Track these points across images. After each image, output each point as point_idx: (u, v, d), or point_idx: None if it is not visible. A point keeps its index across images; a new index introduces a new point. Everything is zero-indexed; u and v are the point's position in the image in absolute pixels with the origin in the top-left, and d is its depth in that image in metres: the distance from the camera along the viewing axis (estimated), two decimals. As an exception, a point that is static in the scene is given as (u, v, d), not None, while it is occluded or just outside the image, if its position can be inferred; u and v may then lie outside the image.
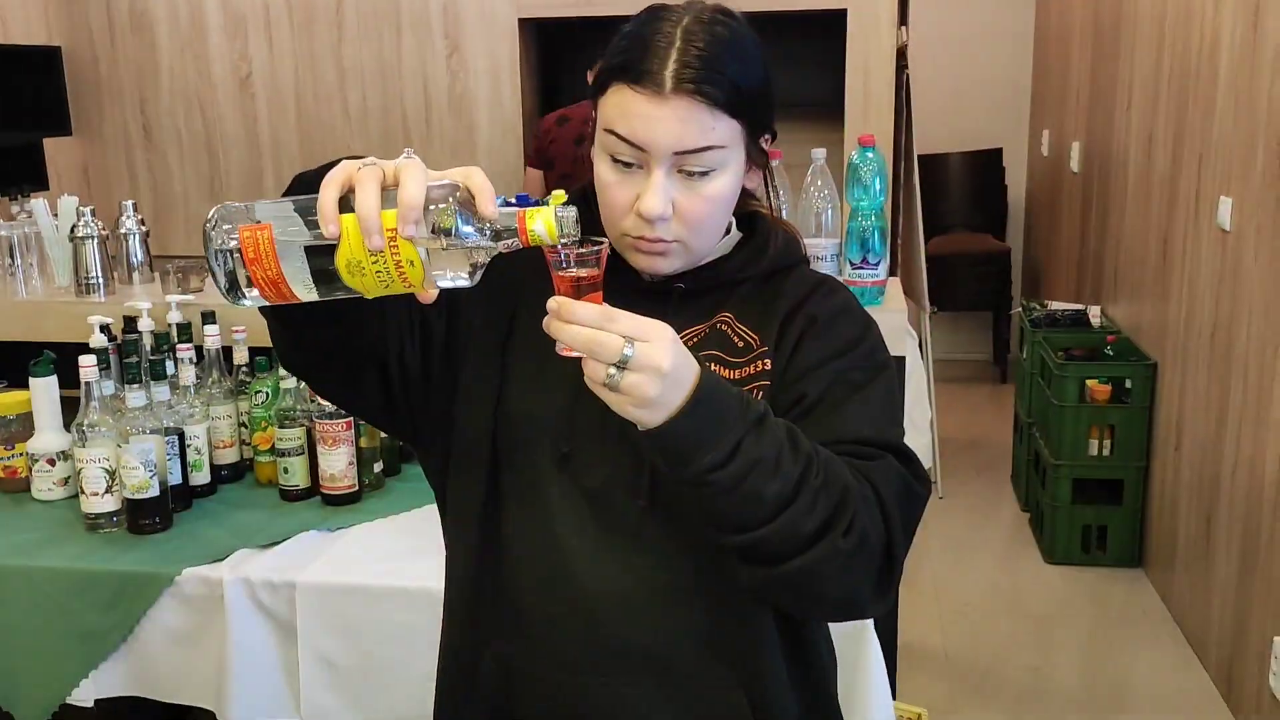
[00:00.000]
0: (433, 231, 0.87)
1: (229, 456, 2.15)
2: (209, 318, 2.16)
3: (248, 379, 2.17)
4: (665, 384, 0.87)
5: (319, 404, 2.02)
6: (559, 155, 3.70)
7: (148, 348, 2.13)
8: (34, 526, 1.97)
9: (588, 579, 1.06)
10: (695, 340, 1.09)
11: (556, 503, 1.07)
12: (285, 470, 2.05)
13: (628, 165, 1.04)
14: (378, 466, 2.12)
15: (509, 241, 0.89)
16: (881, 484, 0.97)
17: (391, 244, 0.86)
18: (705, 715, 1.08)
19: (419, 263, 0.87)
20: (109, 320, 2.16)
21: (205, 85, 4.18)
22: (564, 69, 4.30)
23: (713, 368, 1.05)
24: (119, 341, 2.17)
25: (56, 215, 2.48)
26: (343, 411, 2.00)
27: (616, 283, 1.00)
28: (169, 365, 2.03)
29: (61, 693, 1.80)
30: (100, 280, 2.41)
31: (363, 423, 2.05)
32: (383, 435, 2.14)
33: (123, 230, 2.49)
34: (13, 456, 2.11)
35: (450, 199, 0.87)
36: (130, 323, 2.24)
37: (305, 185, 0.95)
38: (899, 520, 0.97)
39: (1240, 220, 2.83)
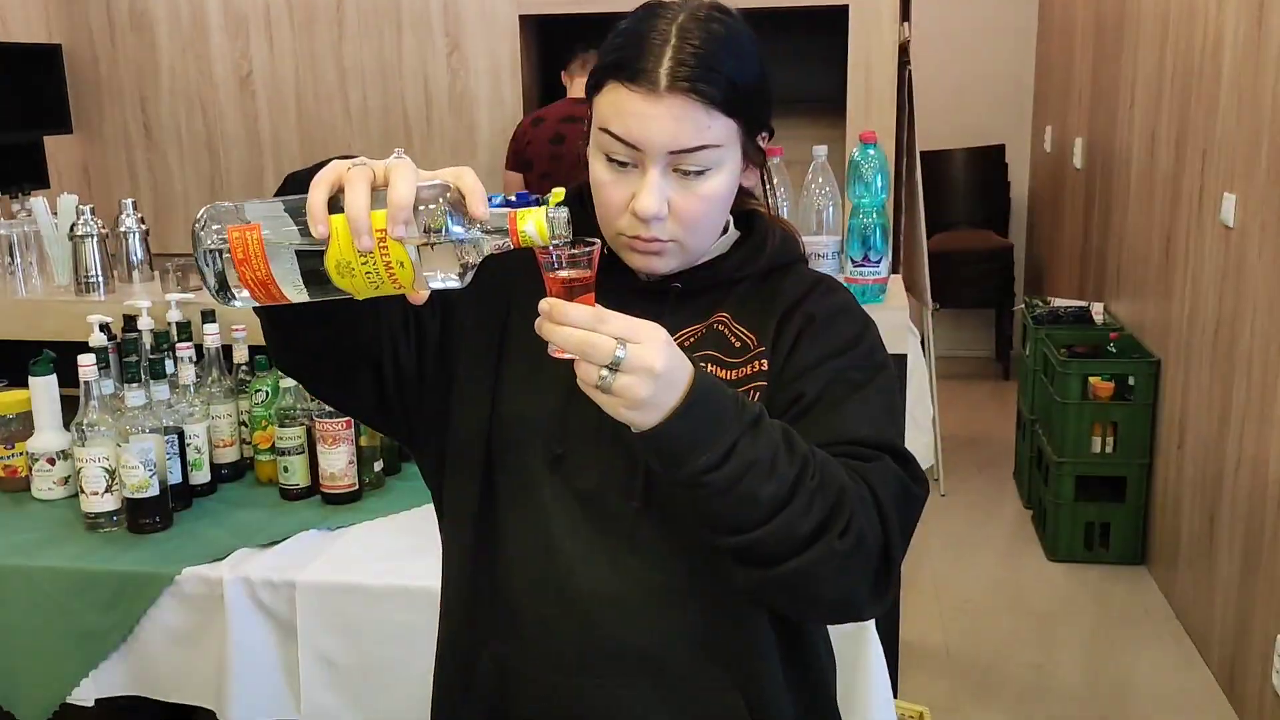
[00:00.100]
0: (423, 232, 0.86)
1: (229, 455, 2.14)
2: (209, 316, 2.16)
3: (248, 378, 2.17)
4: (658, 385, 0.86)
5: (319, 403, 2.01)
6: (536, 156, 3.70)
7: (147, 346, 2.13)
8: (34, 526, 1.97)
9: (582, 580, 1.06)
10: (692, 340, 1.09)
11: (550, 504, 1.07)
12: (285, 469, 2.05)
13: (623, 164, 1.03)
14: (378, 465, 2.12)
15: (500, 242, 0.88)
16: (879, 485, 0.96)
17: (381, 245, 0.85)
18: (701, 717, 1.07)
19: (409, 263, 0.86)
20: (109, 319, 2.16)
21: (206, 84, 4.18)
22: (565, 67, 4.30)
23: (709, 368, 1.05)
24: (118, 340, 2.16)
25: (56, 214, 2.48)
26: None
27: (612, 282, 0.99)
28: (169, 364, 2.03)
29: (62, 692, 1.80)
30: (100, 279, 2.41)
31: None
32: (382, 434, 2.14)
33: (122, 229, 2.49)
34: (12, 456, 2.11)
35: (441, 199, 0.87)
36: (130, 321, 2.23)
37: (297, 184, 0.95)
38: (896, 522, 0.96)
39: (1244, 217, 2.82)
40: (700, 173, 1.02)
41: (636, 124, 1.00)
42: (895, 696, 1.75)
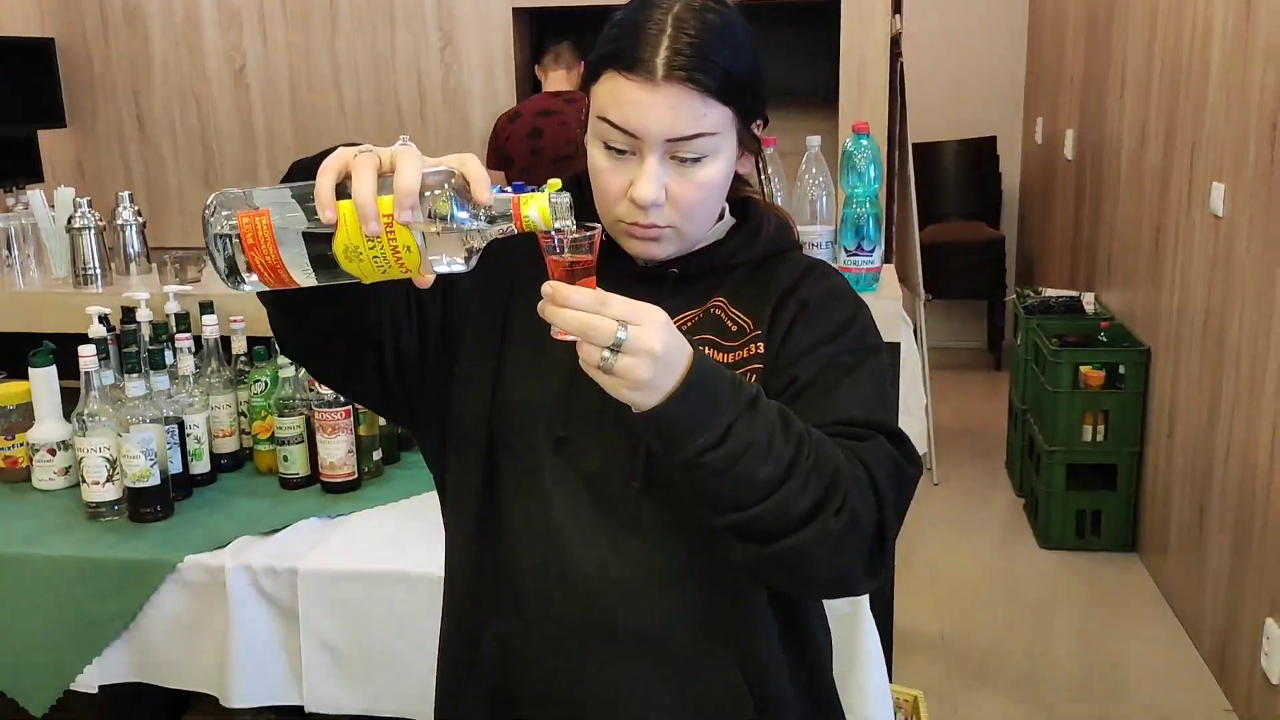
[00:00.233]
0: (428, 217, 0.88)
1: (228, 445, 2.16)
2: (207, 308, 2.17)
3: (246, 368, 2.18)
4: (658, 367, 0.88)
5: (318, 393, 2.03)
6: (515, 151, 3.72)
7: (146, 338, 2.14)
8: (35, 516, 1.98)
9: (583, 561, 1.07)
10: (689, 324, 1.10)
11: (552, 486, 1.08)
12: (285, 458, 2.06)
13: (621, 152, 1.04)
14: (377, 454, 2.13)
15: (504, 227, 0.90)
16: (873, 464, 0.98)
17: (388, 230, 0.87)
18: (702, 696, 1.09)
19: (415, 248, 0.88)
20: (107, 311, 2.17)
21: (199, 78, 4.19)
22: (539, 61, 4.32)
23: (706, 352, 1.06)
24: (117, 332, 2.18)
25: (53, 207, 2.48)
26: (342, 400, 2.01)
27: (611, 268, 1.01)
28: (168, 355, 2.04)
29: (65, 680, 1.82)
30: (98, 271, 2.42)
31: (362, 411, 2.07)
32: (382, 424, 2.16)
33: (120, 221, 2.50)
34: (13, 447, 2.12)
35: (445, 185, 0.88)
36: (128, 313, 2.24)
37: (303, 172, 0.96)
38: (890, 500, 0.98)
39: (1233, 207, 2.85)
40: (697, 160, 1.04)
41: (634, 112, 1.01)
42: (890, 681, 1.77)
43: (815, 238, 2.20)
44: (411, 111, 4.12)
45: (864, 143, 2.22)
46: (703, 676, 1.09)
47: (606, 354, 0.88)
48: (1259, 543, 2.66)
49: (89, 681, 1.83)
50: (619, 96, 1.02)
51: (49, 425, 2.07)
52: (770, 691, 1.10)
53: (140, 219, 2.54)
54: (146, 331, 2.16)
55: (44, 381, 2.06)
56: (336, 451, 2.03)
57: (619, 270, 1.07)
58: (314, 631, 1.78)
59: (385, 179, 0.88)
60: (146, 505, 1.93)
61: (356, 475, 2.06)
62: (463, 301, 1.12)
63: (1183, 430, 3.23)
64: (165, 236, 4.05)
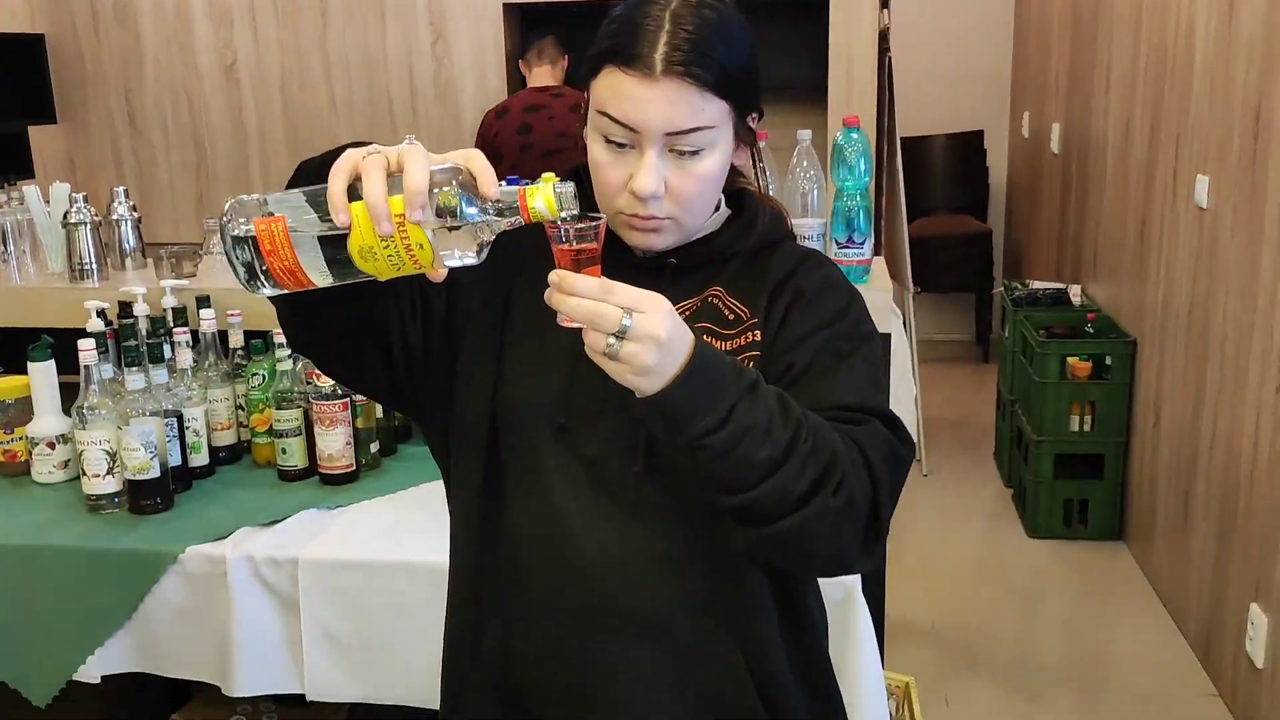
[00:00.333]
0: (438, 214, 0.90)
1: (226, 438, 2.18)
2: (204, 302, 2.19)
3: (243, 362, 2.20)
4: (662, 352, 0.91)
5: (316, 385, 2.05)
6: (505, 147, 3.74)
7: (143, 332, 2.16)
8: (36, 508, 2.00)
9: (584, 546, 1.10)
10: (688, 313, 1.13)
11: (554, 474, 1.11)
12: (283, 451, 2.08)
13: (620, 146, 1.07)
14: (374, 447, 2.16)
15: (512, 219, 0.92)
16: (869, 447, 1.01)
17: (401, 229, 0.89)
18: (704, 679, 1.12)
19: (428, 245, 0.91)
20: (106, 305, 2.18)
21: (190, 74, 4.19)
22: (522, 56, 4.33)
23: (706, 339, 1.09)
24: (114, 326, 2.19)
25: (48, 202, 2.50)
26: (340, 393, 2.03)
27: (611, 259, 1.03)
28: (166, 349, 2.06)
29: (68, 670, 1.83)
30: (94, 266, 2.43)
31: (359, 404, 2.09)
32: (379, 416, 2.18)
33: (115, 216, 2.51)
34: (12, 441, 2.14)
35: (453, 182, 0.91)
36: (125, 308, 2.26)
37: (309, 173, 0.98)
38: (885, 482, 1.01)
39: (1217, 199, 2.89)
40: (695, 153, 1.07)
41: (634, 107, 1.04)
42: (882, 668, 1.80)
43: (807, 230, 2.22)
44: (403, 107, 4.13)
45: (854, 136, 2.25)
46: (704, 660, 1.11)
47: (612, 340, 0.90)
48: (1243, 530, 2.70)
49: (91, 672, 1.84)
50: (619, 91, 1.04)
51: (48, 419, 2.09)
52: (769, 672, 1.13)
53: (135, 214, 2.55)
54: (144, 326, 2.18)
55: (43, 375, 2.07)
56: (335, 444, 2.05)
57: (618, 261, 1.10)
58: (315, 621, 1.80)
59: (394, 178, 0.90)
60: (147, 497, 1.95)
61: (354, 467, 2.08)
62: (465, 298, 1.15)
63: (1168, 420, 3.27)
64: (157, 232, 4.06)
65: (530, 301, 1.12)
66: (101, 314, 2.16)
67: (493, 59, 4.05)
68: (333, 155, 0.98)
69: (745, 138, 1.13)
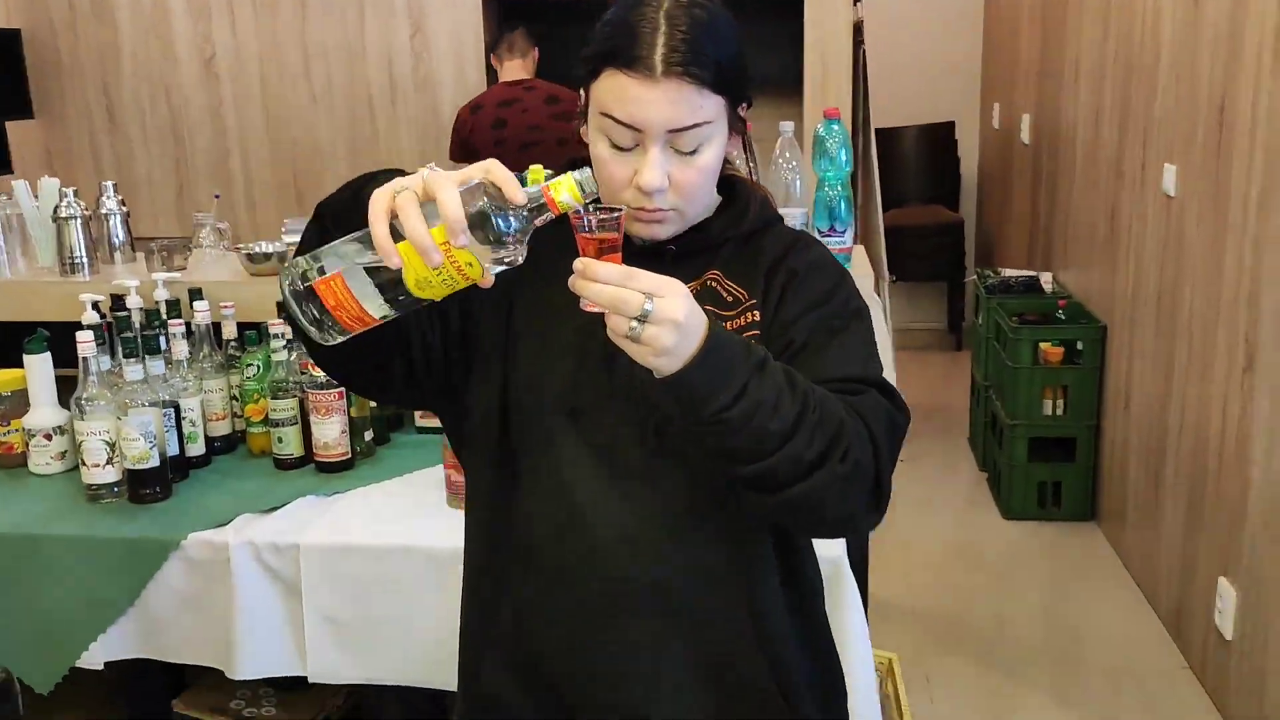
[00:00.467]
0: (477, 229, 0.95)
1: (222, 429, 2.20)
2: (196, 294, 2.22)
3: (237, 353, 2.23)
4: (680, 335, 0.96)
5: (311, 375, 2.08)
6: (480, 143, 3.78)
7: (137, 324, 2.18)
8: (34, 499, 2.02)
9: (595, 525, 1.15)
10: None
11: (565, 458, 1.16)
12: (279, 440, 2.11)
13: (624, 144, 1.12)
14: (368, 435, 2.19)
15: (543, 216, 0.98)
16: (869, 416, 1.08)
17: (448, 254, 0.95)
18: (712, 647, 1.17)
19: (475, 261, 0.96)
20: (101, 298, 2.21)
21: (169, 68, 4.19)
22: (493, 50, 4.36)
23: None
24: (107, 320, 2.21)
25: (36, 197, 2.51)
26: (334, 382, 2.07)
27: None
28: (161, 340, 2.08)
29: (71, 658, 1.86)
30: (85, 260, 2.45)
31: (354, 393, 2.12)
32: (372, 406, 2.21)
33: (104, 210, 2.53)
34: (8, 433, 2.16)
35: (483, 198, 0.96)
36: (118, 301, 2.28)
37: (331, 215, 1.05)
38: (886, 447, 1.08)
39: (1183, 188, 2.97)
40: (695, 146, 1.12)
41: (637, 108, 1.09)
42: (868, 642, 1.86)
43: (790, 220, 2.26)
44: (382, 100, 4.15)
45: (835, 128, 2.31)
46: (712, 628, 1.17)
47: (634, 324, 0.95)
48: (1212, 507, 2.79)
49: (94, 659, 1.87)
50: (621, 94, 1.09)
51: (45, 411, 2.11)
52: (774, 638, 1.19)
53: (124, 208, 2.57)
54: (138, 318, 2.20)
55: (39, 367, 2.09)
56: (330, 432, 2.09)
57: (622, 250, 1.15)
58: (316, 604, 1.84)
59: (428, 207, 0.95)
60: (146, 486, 1.97)
61: (350, 455, 2.12)
62: (476, 305, 1.20)
63: (1138, 403, 3.36)
64: (137, 227, 4.04)
65: (533, 298, 1.17)
66: (95, 307, 2.19)
67: (471, 52, 4.08)
68: (348, 194, 1.04)
69: (737, 127, 1.19)
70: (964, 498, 4.07)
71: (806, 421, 1.02)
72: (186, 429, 2.10)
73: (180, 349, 2.11)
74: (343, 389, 2.08)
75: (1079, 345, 3.73)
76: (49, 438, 2.11)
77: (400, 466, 2.13)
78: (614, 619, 1.16)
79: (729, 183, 1.25)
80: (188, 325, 2.18)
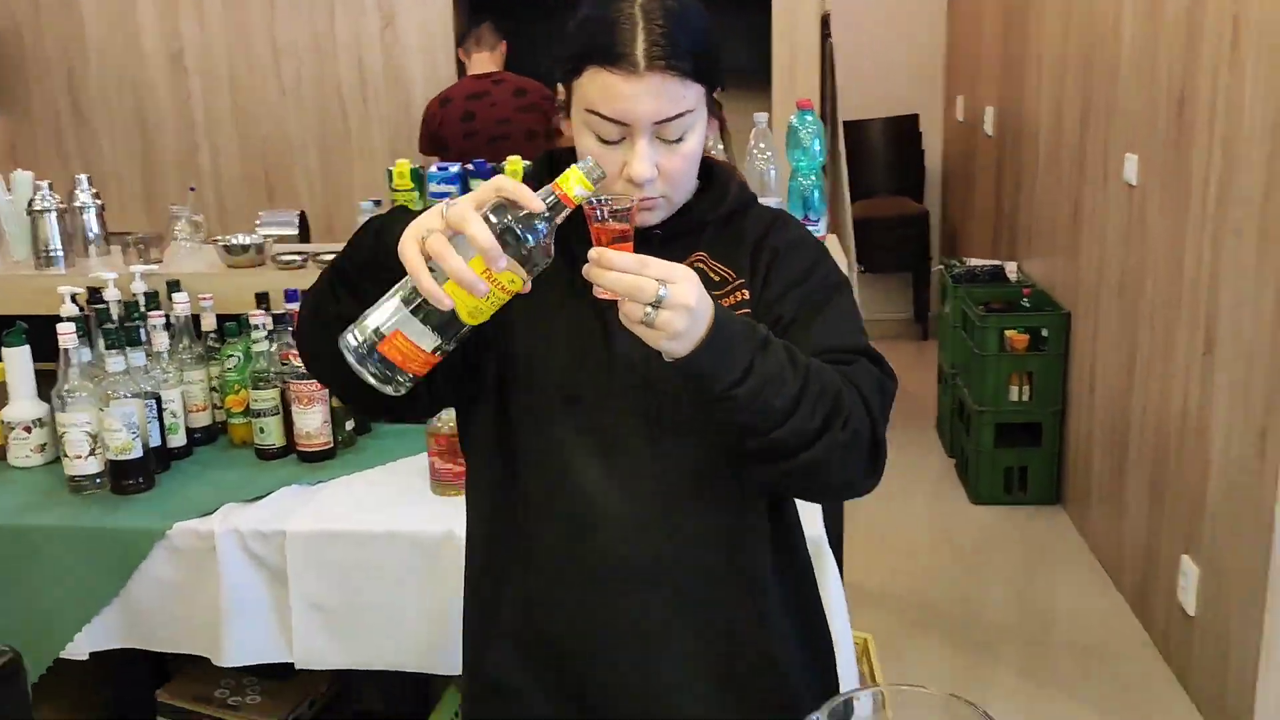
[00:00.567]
0: (508, 247, 0.99)
1: (202, 420, 2.21)
2: (175, 286, 2.22)
3: (216, 345, 2.23)
4: (691, 318, 1.00)
5: (293, 365, 2.10)
6: (450, 136, 3.80)
7: (117, 317, 2.18)
8: (16, 491, 2.02)
9: (597, 507, 1.18)
10: None
11: (565, 443, 1.19)
12: (261, 430, 2.13)
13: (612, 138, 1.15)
14: (350, 425, 2.21)
15: (562, 213, 1.02)
16: (862, 384, 1.13)
17: (491, 280, 0.99)
18: (714, 617, 1.21)
19: (516, 276, 1.01)
20: (80, 290, 2.20)
21: (136, 62, 4.16)
22: (461, 43, 4.37)
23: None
24: (85, 313, 2.21)
25: (10, 190, 2.50)
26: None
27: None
28: (142, 332, 2.09)
29: (56, 648, 1.87)
30: (60, 253, 2.44)
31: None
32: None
33: (78, 204, 2.52)
34: (-13, 426, 2.15)
35: (506, 217, 1.00)
36: (94, 293, 2.28)
37: (357, 265, 1.08)
38: (879, 413, 1.13)
39: (1145, 177, 3.04)
40: (680, 135, 1.15)
41: (624, 103, 1.12)
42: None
43: (765, 208, 2.32)
44: (353, 94, 4.15)
45: (809, 119, 2.35)
46: (712, 601, 1.21)
47: (649, 310, 0.99)
48: (1174, 488, 2.86)
49: (80, 649, 1.88)
50: (607, 90, 1.12)
51: (24, 403, 2.10)
52: (770, 606, 1.24)
53: (99, 202, 2.57)
54: (117, 310, 2.20)
55: (18, 360, 2.09)
56: (313, 421, 2.10)
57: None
58: (302, 591, 1.86)
59: (459, 240, 0.98)
60: (129, 477, 1.98)
61: (332, 444, 2.14)
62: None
63: (1102, 387, 3.44)
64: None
65: (525, 303, 1.20)
66: (73, 300, 2.18)
67: (441, 46, 4.09)
68: (365, 249, 1.07)
69: (714, 111, 1.22)
70: (933, 484, 4.14)
71: (808, 394, 1.06)
72: (168, 420, 2.11)
73: (160, 341, 2.12)
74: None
75: (1044, 332, 3.80)
76: (28, 430, 2.11)
77: (382, 456, 2.15)
78: (618, 600, 1.20)
79: (706, 166, 1.29)
80: (166, 317, 2.18)
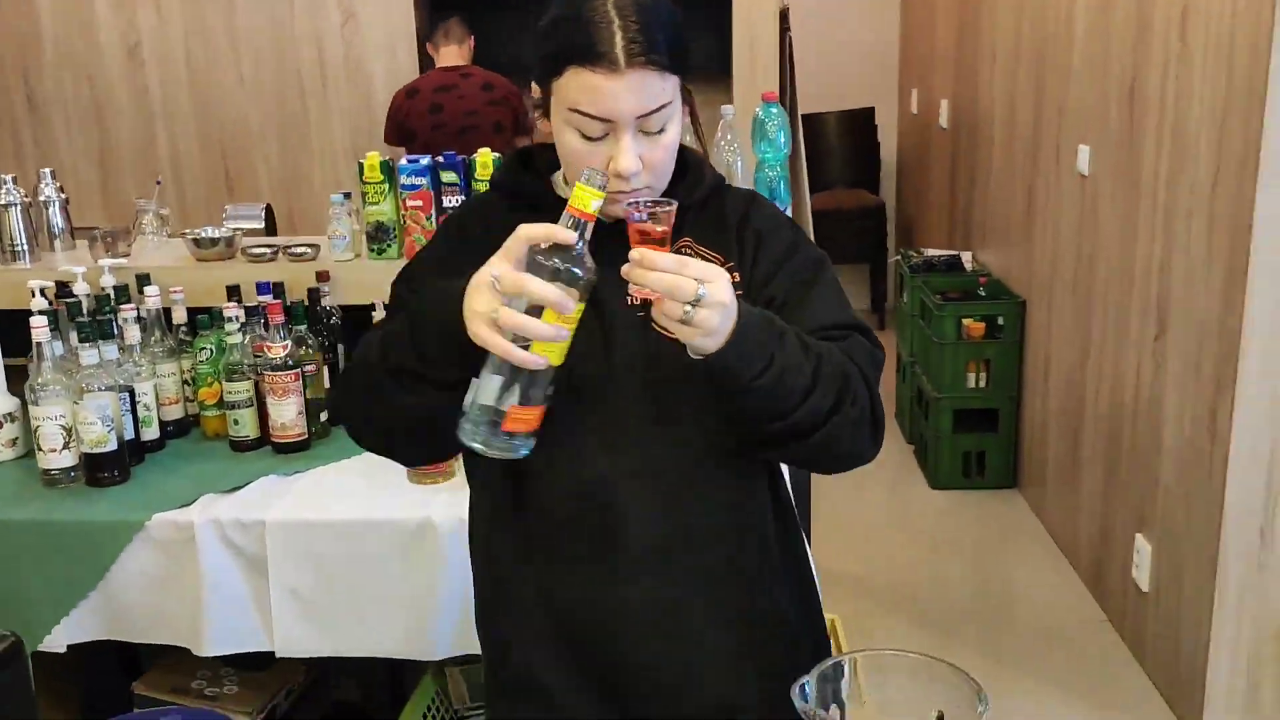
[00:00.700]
0: (563, 288, 1.04)
1: (175, 413, 2.21)
2: (145, 280, 2.22)
3: (187, 338, 2.24)
4: (724, 316, 1.05)
5: (266, 357, 2.11)
6: (417, 126, 3.82)
7: (87, 310, 2.18)
8: (-11, 486, 2.01)
9: (605, 490, 1.21)
10: None
11: (570, 430, 1.21)
12: (235, 422, 2.13)
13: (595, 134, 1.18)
14: (323, 416, 2.22)
15: (589, 230, 1.07)
16: (859, 359, 1.18)
17: (566, 321, 1.05)
18: (726, 590, 1.26)
19: (579, 306, 1.06)
20: (50, 284, 2.20)
21: (92, 54, 4.12)
22: (429, 38, 4.37)
23: None
24: (54, 307, 2.20)
25: (-28, 185, 2.47)
26: (290, 363, 2.10)
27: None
28: (114, 325, 2.09)
29: (33, 642, 1.86)
30: (25, 247, 2.43)
31: (309, 374, 2.15)
32: (327, 386, 2.24)
33: (43, 198, 2.51)
34: (-44, 421, 2.14)
35: (550, 260, 1.05)
36: (63, 287, 2.27)
37: (433, 356, 1.11)
38: (875, 384, 1.20)
39: (1097, 167, 3.13)
40: (661, 127, 1.19)
41: (607, 101, 1.14)
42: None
43: (732, 199, 2.36)
44: (314, 88, 4.13)
45: (774, 111, 2.39)
46: (722, 576, 1.26)
47: (688, 308, 1.03)
48: (1127, 469, 2.95)
49: (57, 642, 1.88)
50: (589, 89, 1.14)
51: (-5, 398, 2.10)
52: (773, 572, 1.30)
53: (63, 195, 2.55)
54: (87, 304, 2.20)
55: (-12, 355, 2.08)
56: (288, 413, 2.11)
57: (597, 226, 1.21)
58: (282, 580, 1.87)
59: (516, 301, 1.04)
60: (104, 470, 1.98)
61: (307, 435, 2.15)
62: None
63: (1057, 373, 3.52)
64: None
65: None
66: (42, 293, 2.18)
67: (403, 40, 4.09)
68: (432, 341, 1.10)
69: (686, 99, 1.26)
70: (893, 470, 4.22)
71: (822, 376, 1.12)
72: (141, 413, 2.11)
73: (132, 334, 2.12)
74: (298, 370, 2.11)
75: (1000, 320, 3.88)
76: (0, 425, 2.10)
77: (356, 446, 2.15)
78: (632, 582, 1.23)
79: (680, 154, 1.32)
80: (137, 310, 2.18)
